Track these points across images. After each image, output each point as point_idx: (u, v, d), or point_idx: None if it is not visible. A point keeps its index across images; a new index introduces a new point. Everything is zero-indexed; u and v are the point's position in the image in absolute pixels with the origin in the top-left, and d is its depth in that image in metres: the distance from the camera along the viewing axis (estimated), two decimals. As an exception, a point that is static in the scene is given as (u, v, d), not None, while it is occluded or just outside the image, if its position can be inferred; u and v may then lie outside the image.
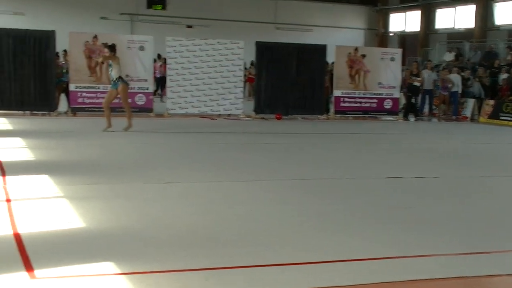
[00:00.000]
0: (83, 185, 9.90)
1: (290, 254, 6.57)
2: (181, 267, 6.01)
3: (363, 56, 25.96)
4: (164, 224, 7.61)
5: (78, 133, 17.18)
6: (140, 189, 9.83)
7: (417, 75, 26.23)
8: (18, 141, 14.84)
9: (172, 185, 10.18)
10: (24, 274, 5.65)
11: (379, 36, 48.59)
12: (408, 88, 26.43)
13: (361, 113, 26.01)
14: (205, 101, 23.70)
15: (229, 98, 23.97)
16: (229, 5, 44.23)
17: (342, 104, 25.71)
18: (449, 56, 34.57)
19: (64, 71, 22.91)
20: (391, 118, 26.37)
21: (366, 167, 13.12)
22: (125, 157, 13.33)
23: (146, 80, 23.18)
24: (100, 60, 18.78)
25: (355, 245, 6.97)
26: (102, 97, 18.84)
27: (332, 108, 26.06)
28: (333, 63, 26.35)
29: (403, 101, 27.71)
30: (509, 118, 25.43)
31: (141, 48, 23.07)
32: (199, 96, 23.60)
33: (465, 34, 39.19)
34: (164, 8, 41.69)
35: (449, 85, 26.90)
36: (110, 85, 17.55)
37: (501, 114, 25.88)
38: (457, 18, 41.98)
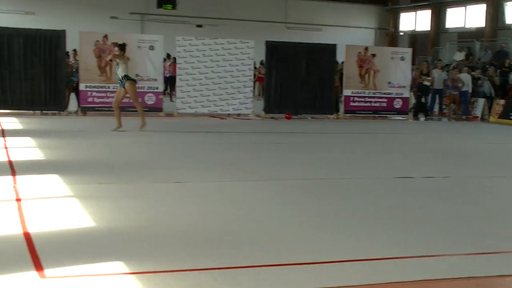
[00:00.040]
0: (92, 184, 9.92)
1: (298, 253, 6.57)
2: (189, 266, 6.01)
3: (373, 55, 25.93)
4: (173, 224, 7.62)
5: (88, 133, 17.20)
6: (149, 188, 9.84)
7: (427, 75, 26.20)
8: (28, 141, 14.88)
9: (181, 185, 10.19)
10: (33, 273, 5.67)
11: (390, 35, 48.56)
12: (418, 88, 26.39)
13: (370, 112, 25.98)
14: (215, 101, 23.70)
15: (238, 98, 23.96)
16: (239, 4, 44.26)
17: (352, 104, 25.68)
18: (460, 56, 34.53)
19: (74, 70, 22.95)
20: (401, 118, 26.33)
21: (376, 167, 13.10)
22: (134, 157, 13.34)
23: (156, 80, 23.20)
24: (108, 58, 18.83)
25: (364, 245, 6.96)
26: (112, 97, 18.87)
27: (341, 108, 26.04)
28: (343, 62, 26.32)
29: (413, 100, 27.68)
30: (519, 118, 25.39)
31: (151, 48, 23.10)
32: (208, 95, 23.60)
33: (476, 34, 39.13)
34: (174, 7, 41.76)
35: (459, 85, 26.85)
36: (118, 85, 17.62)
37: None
38: (467, 18, 41.93)
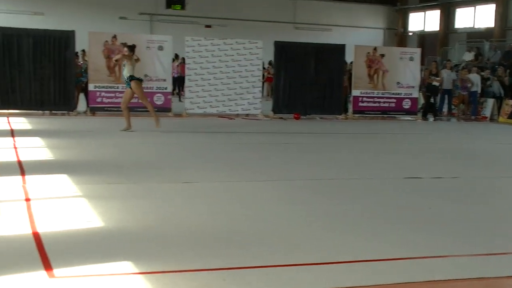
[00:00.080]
0: (101, 184, 9.94)
1: (306, 254, 6.57)
2: (198, 267, 6.02)
3: (382, 55, 25.90)
4: (181, 224, 7.63)
5: (97, 133, 17.23)
6: (158, 188, 9.85)
7: (436, 75, 26.14)
8: (38, 141, 14.91)
9: (190, 185, 10.20)
10: (42, 273, 5.69)
11: (398, 35, 48.48)
12: (427, 88, 26.34)
13: (379, 113, 25.96)
14: (224, 101, 23.71)
15: (247, 98, 23.96)
16: (248, 4, 44.26)
17: (360, 104, 25.66)
18: (469, 56, 34.45)
19: (82, 70, 22.97)
20: (410, 118, 26.29)
21: (385, 167, 13.10)
22: (143, 157, 13.35)
23: (164, 80, 23.22)
24: (115, 58, 18.91)
25: (373, 246, 6.96)
26: (121, 97, 18.87)
27: (350, 108, 26.03)
28: (351, 62, 26.31)
29: (421, 101, 27.63)
30: (529, 118, 25.34)
31: (160, 48, 23.12)
32: (217, 95, 23.62)
33: (485, 34, 39.04)
34: (183, 8, 41.76)
35: (469, 85, 26.81)
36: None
37: (521, 114, 25.79)
38: (476, 18, 41.83)
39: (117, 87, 22.11)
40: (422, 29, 47.07)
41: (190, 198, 9.18)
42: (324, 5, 46.72)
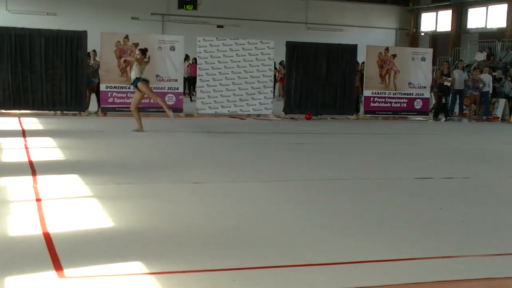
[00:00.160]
0: (112, 184, 9.97)
1: (316, 254, 6.57)
2: (208, 267, 6.04)
3: (394, 56, 25.88)
4: (191, 224, 7.64)
5: (108, 133, 17.26)
6: (169, 189, 9.87)
7: (448, 75, 26.09)
8: (49, 141, 14.96)
9: (200, 185, 10.21)
10: (53, 273, 5.71)
11: (410, 36, 48.40)
12: (439, 88, 26.29)
13: (391, 113, 25.94)
14: (235, 101, 23.73)
15: (258, 98, 23.97)
16: (260, 5, 44.26)
17: (372, 104, 25.64)
18: (481, 56, 34.39)
19: (93, 71, 22.99)
20: (421, 118, 26.26)
21: (396, 167, 13.09)
22: (153, 157, 13.37)
23: (176, 80, 23.24)
24: (122, 59, 19.06)
25: (382, 246, 6.96)
26: (132, 97, 18.87)
27: (361, 108, 26.01)
28: (363, 63, 26.30)
29: (433, 101, 27.59)
30: (540, 119, 25.27)
31: (172, 48, 23.15)
32: (228, 96, 23.64)
33: (497, 34, 38.96)
34: (195, 8, 41.80)
35: (480, 85, 26.76)
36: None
37: (533, 115, 25.73)
38: (489, 18, 41.71)
39: (129, 88, 22.04)
40: (434, 29, 46.98)
41: (200, 199, 9.19)
42: (336, 5, 46.70)
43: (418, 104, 26.17)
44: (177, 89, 23.30)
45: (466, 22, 43.79)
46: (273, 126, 21.35)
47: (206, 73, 23.44)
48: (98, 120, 21.23)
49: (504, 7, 39.71)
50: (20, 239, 6.74)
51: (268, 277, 5.86)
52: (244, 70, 23.73)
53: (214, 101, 23.53)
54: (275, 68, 32.57)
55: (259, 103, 24.03)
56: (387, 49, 26.38)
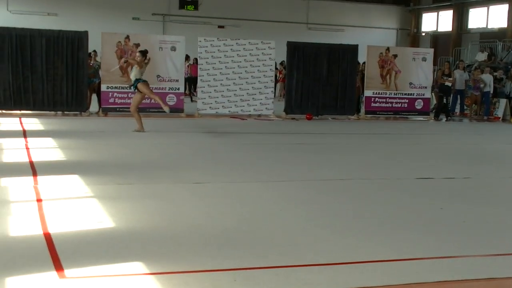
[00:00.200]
0: (113, 185, 9.97)
1: (316, 254, 6.57)
2: (209, 267, 6.04)
3: (395, 56, 25.88)
4: (192, 225, 7.64)
5: (109, 134, 17.27)
6: (170, 189, 9.87)
7: (449, 75, 26.07)
8: (50, 141, 14.97)
9: (200, 185, 10.21)
10: (53, 273, 5.71)
11: (411, 36, 48.39)
12: (440, 88, 26.27)
13: (392, 113, 25.94)
14: (236, 101, 23.73)
15: (259, 99, 23.97)
16: (260, 5, 44.24)
17: (373, 104, 25.64)
18: (482, 56, 34.37)
19: (93, 71, 22.98)
20: (422, 118, 26.26)
21: (397, 167, 13.09)
22: (154, 158, 13.38)
23: (177, 81, 23.23)
24: (123, 60, 19.10)
25: (383, 246, 6.96)
26: (132, 98, 18.85)
27: (362, 108, 26.02)
28: (364, 63, 26.29)
29: (434, 101, 27.59)
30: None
31: (173, 49, 23.14)
32: (229, 96, 23.64)
33: (498, 34, 38.93)
34: (196, 8, 41.76)
35: (481, 85, 26.75)
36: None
37: (533, 115, 25.72)
38: (490, 18, 41.70)
39: (130, 88, 22.11)
40: (435, 29, 46.96)
41: (201, 199, 9.19)
42: (337, 5, 46.69)
43: (419, 104, 26.18)
44: (178, 89, 23.29)
45: (467, 22, 43.78)
46: (274, 126, 21.35)
47: (207, 74, 23.44)
48: (99, 120, 21.23)
49: (505, 7, 39.69)
50: (21, 240, 6.74)
51: (268, 277, 5.86)
52: (245, 71, 23.73)
53: (215, 101, 23.53)
54: (276, 69, 32.54)
55: (260, 103, 24.03)
56: (388, 49, 26.38)
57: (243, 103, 23.83)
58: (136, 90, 17.37)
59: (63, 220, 7.54)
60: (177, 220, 7.82)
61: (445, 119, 26.15)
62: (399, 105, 25.98)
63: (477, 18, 42.89)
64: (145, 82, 17.27)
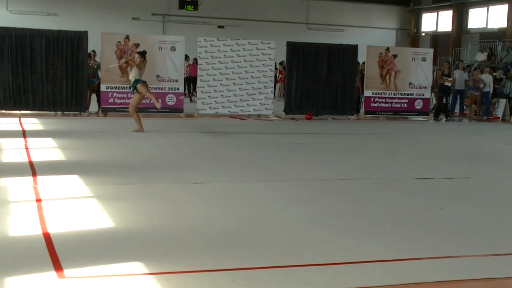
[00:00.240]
0: (112, 185, 9.97)
1: (316, 254, 6.58)
2: (208, 267, 6.04)
3: (395, 56, 25.88)
4: (191, 225, 7.65)
5: (108, 134, 17.26)
6: (169, 189, 9.87)
7: (449, 75, 26.06)
8: (49, 141, 14.97)
9: (200, 185, 10.21)
10: (53, 273, 5.71)
11: (411, 36, 48.38)
12: (439, 89, 26.26)
13: (391, 113, 25.94)
14: (235, 102, 23.73)
15: (259, 99, 23.97)
16: (260, 5, 44.23)
17: (372, 105, 25.64)
18: (481, 56, 34.37)
19: (92, 71, 22.97)
20: (422, 119, 26.26)
21: (396, 167, 13.09)
22: (153, 158, 13.38)
23: (177, 81, 23.22)
24: (123, 61, 19.14)
25: (383, 246, 6.97)
26: (131, 99, 18.85)
27: (362, 109, 26.02)
28: (363, 63, 26.29)
29: (433, 101, 27.59)
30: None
31: (173, 49, 23.13)
32: (229, 96, 23.64)
33: (498, 34, 38.92)
34: (195, 8, 41.76)
35: (481, 85, 26.76)
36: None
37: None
38: (489, 18, 41.69)
39: (129, 88, 22.08)
40: (435, 29, 46.95)
41: (201, 199, 9.19)
42: (337, 5, 46.68)
43: (418, 104, 26.18)
44: (178, 89, 23.27)
45: (466, 22, 43.77)
46: (274, 126, 21.35)
47: (207, 74, 23.44)
48: (98, 120, 21.22)
49: (504, 7, 39.68)
50: (20, 240, 6.74)
51: (268, 277, 5.86)
52: (245, 71, 23.72)
53: (215, 101, 23.52)
54: (276, 69, 32.54)
55: (260, 103, 24.03)
56: (387, 49, 26.38)
57: (243, 103, 23.82)
58: (135, 91, 17.38)
59: (63, 220, 7.54)
60: (176, 220, 7.82)
61: (445, 119, 26.14)
62: (399, 105, 25.99)
63: (477, 18, 42.89)
64: (144, 83, 17.27)
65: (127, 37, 22.79)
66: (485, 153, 16.48)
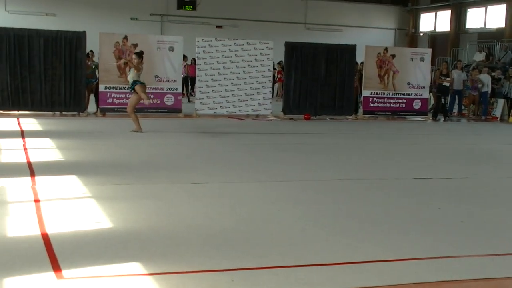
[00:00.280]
0: (111, 185, 9.97)
1: (315, 255, 6.58)
2: (206, 267, 6.04)
3: (393, 56, 25.87)
4: (190, 225, 7.65)
5: (107, 134, 17.24)
6: (167, 189, 9.87)
7: (447, 75, 26.06)
8: (47, 142, 14.96)
9: (198, 186, 10.21)
10: (51, 274, 5.71)
11: (409, 36, 48.37)
12: (438, 89, 26.27)
13: (389, 113, 25.93)
14: (234, 102, 23.71)
15: (257, 99, 23.96)
16: (259, 5, 44.19)
17: (371, 105, 25.63)
18: (479, 56, 34.39)
19: (90, 72, 22.95)
20: (420, 119, 26.26)
21: (394, 167, 13.10)
22: (152, 158, 13.37)
23: (175, 81, 23.21)
24: (122, 61, 19.17)
25: (381, 246, 6.97)
26: (129, 99, 18.85)
27: (360, 109, 26.01)
28: (362, 63, 26.28)
29: (432, 101, 27.60)
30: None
31: (171, 49, 23.11)
32: (227, 96, 23.62)
33: (496, 34, 38.91)
34: (194, 8, 41.70)
35: (479, 85, 26.76)
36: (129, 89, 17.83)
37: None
38: (488, 18, 41.68)
39: (128, 88, 22.04)
40: (433, 29, 46.93)
41: (199, 199, 9.19)
42: (335, 5, 46.65)
43: (417, 104, 26.18)
44: (176, 89, 23.25)
45: (465, 22, 43.75)
46: (272, 126, 21.35)
47: (205, 74, 23.42)
48: (97, 120, 21.20)
49: (503, 7, 39.66)
50: (19, 240, 6.74)
51: (267, 277, 5.86)
52: (243, 71, 23.71)
53: (213, 101, 23.51)
54: (274, 69, 32.53)
55: (258, 103, 24.01)
56: (386, 49, 26.38)
57: (241, 103, 23.81)
58: (133, 91, 17.38)
59: (61, 220, 7.54)
60: (175, 221, 7.82)
61: (443, 119, 26.11)
62: (397, 105, 25.98)
63: (475, 18, 42.87)
64: (142, 84, 17.28)
65: (126, 37, 22.76)
66: (484, 153, 16.48)
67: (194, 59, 28.29)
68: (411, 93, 26.02)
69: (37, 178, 10.25)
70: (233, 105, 23.70)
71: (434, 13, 46.98)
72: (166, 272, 5.87)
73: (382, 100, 25.66)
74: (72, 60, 21.80)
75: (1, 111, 21.39)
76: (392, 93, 25.74)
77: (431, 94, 27.33)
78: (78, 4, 40.18)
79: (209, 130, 18.73)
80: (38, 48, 21.49)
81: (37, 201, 8.54)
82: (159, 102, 22.59)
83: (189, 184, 10.30)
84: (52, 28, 23.85)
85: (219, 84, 23.48)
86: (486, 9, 41.83)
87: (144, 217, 7.95)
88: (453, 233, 7.67)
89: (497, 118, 27.10)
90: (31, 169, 11.00)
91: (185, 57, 30.86)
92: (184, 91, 31.75)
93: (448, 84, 25.94)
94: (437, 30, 46.46)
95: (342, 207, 9.01)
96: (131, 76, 17.25)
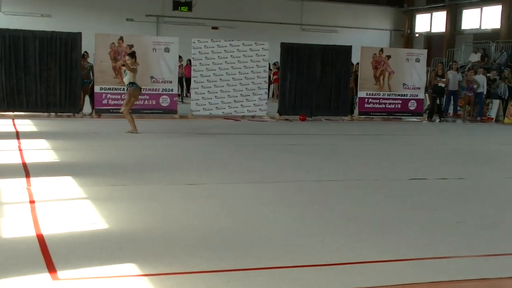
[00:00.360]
0: (106, 186, 9.96)
1: (311, 255, 6.58)
2: (202, 268, 6.04)
3: (388, 57, 25.89)
4: (186, 226, 7.64)
5: (102, 135, 17.22)
6: (162, 190, 9.86)
7: (442, 76, 26.07)
8: (43, 143, 14.93)
9: (194, 187, 10.20)
10: (46, 275, 5.70)
11: (405, 37, 48.42)
12: (433, 89, 26.28)
13: (385, 114, 25.95)
14: (229, 103, 23.71)
15: (253, 100, 23.95)
16: (254, 6, 44.22)
17: (366, 105, 25.64)
18: (475, 57, 34.41)
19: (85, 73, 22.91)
20: (416, 119, 26.27)
21: (390, 168, 13.09)
22: (147, 159, 13.35)
23: (170, 82, 23.20)
24: (119, 63, 19.16)
25: (378, 247, 6.97)
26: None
27: (356, 109, 26.02)
28: (357, 64, 26.28)
29: (427, 102, 27.62)
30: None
31: (167, 50, 23.10)
32: (223, 97, 23.61)
33: (491, 35, 38.95)
34: (189, 9, 41.70)
35: (474, 86, 26.79)
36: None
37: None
38: (483, 19, 41.74)
39: (123, 89, 21.99)
40: (429, 30, 46.98)
41: (194, 200, 9.18)
42: (330, 6, 46.69)
43: (412, 105, 26.20)
44: (172, 90, 23.24)
45: (460, 23, 43.81)
46: (268, 127, 21.34)
47: (201, 75, 23.41)
48: (92, 121, 21.18)
49: (498, 8, 39.71)
50: (14, 241, 6.73)
51: (263, 278, 5.86)
52: (239, 72, 23.71)
53: (209, 102, 23.49)
54: (270, 70, 32.53)
55: (254, 104, 24.01)
56: (381, 50, 26.40)
57: (237, 104, 23.80)
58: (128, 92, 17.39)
59: (56, 221, 7.53)
60: (170, 221, 7.82)
61: (439, 120, 26.14)
62: (393, 106, 26.00)
63: (470, 19, 42.92)
64: (137, 89, 17.30)
65: (121, 38, 22.75)
66: (479, 153, 16.50)
67: (189, 60, 28.29)
68: (407, 94, 26.04)
69: (32, 179, 10.24)
70: (228, 106, 23.69)
71: (429, 14, 47.03)
72: (161, 273, 5.86)
73: (377, 101, 25.68)
74: (68, 61, 21.78)
75: (-4, 112, 21.38)
76: (387, 94, 25.77)
77: (426, 95, 27.33)
78: (73, 5, 40.18)
79: (205, 131, 18.73)
80: (34, 49, 21.46)
81: (32, 202, 8.53)
82: (154, 103, 22.58)
83: (185, 185, 10.29)
84: (47, 29, 23.83)
85: (214, 85, 23.47)
86: (481, 10, 41.89)
87: (139, 218, 7.94)
88: (449, 234, 7.67)
89: (492, 119, 27.12)
90: (26, 170, 10.99)
91: (180, 58, 30.90)
92: (179, 92, 31.78)
93: (443, 85, 25.95)
94: (432, 31, 46.50)
95: (337, 208, 9.01)
96: (127, 78, 17.24)
